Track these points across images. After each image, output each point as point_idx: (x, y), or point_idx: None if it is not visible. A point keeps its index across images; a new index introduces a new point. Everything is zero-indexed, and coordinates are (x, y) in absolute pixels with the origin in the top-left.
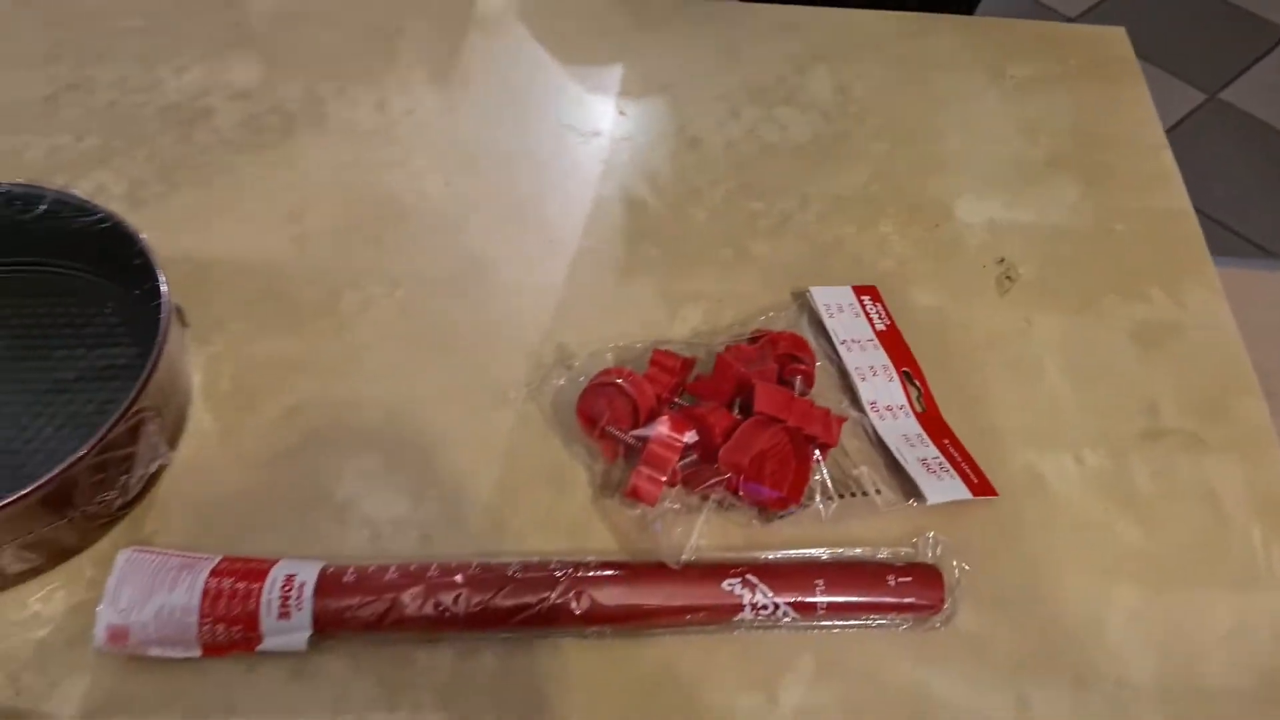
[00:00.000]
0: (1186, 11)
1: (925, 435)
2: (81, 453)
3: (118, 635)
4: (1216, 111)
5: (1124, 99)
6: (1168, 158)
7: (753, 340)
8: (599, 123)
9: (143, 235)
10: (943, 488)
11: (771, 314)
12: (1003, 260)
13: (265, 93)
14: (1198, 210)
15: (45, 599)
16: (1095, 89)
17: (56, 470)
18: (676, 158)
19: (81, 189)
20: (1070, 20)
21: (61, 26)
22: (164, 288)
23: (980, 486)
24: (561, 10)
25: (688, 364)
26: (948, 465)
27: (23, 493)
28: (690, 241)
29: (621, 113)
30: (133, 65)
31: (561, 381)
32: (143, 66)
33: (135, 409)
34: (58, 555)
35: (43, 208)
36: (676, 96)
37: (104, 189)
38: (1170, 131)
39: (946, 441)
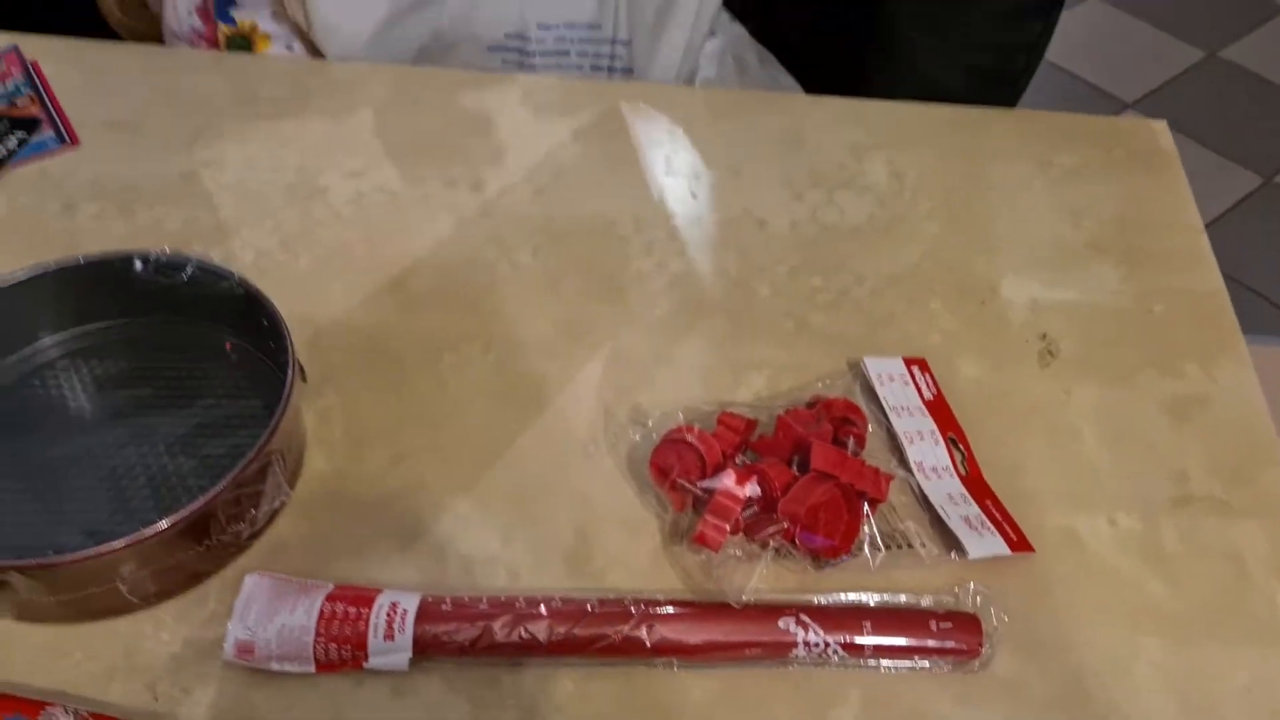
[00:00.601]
0: (1241, 98)
1: (968, 495)
2: (219, 489)
3: (244, 649)
4: (1270, 196)
5: (1164, 187)
6: (1204, 242)
7: (810, 405)
8: (673, 204)
9: (271, 299)
10: (983, 543)
11: (828, 381)
12: (1045, 336)
13: (374, 172)
14: (1248, 288)
15: (180, 617)
16: (1137, 178)
17: (197, 504)
18: (744, 237)
19: (215, 256)
20: (1127, 105)
21: (202, 115)
22: (290, 347)
23: (1018, 543)
24: (637, 102)
25: (751, 425)
26: (988, 523)
27: (168, 523)
28: (755, 314)
29: (694, 195)
30: (260, 146)
31: (637, 437)
32: (268, 148)
33: (264, 452)
34: (192, 579)
35: (186, 273)
36: (744, 181)
37: (233, 257)
38: (1227, 213)
39: (988, 501)
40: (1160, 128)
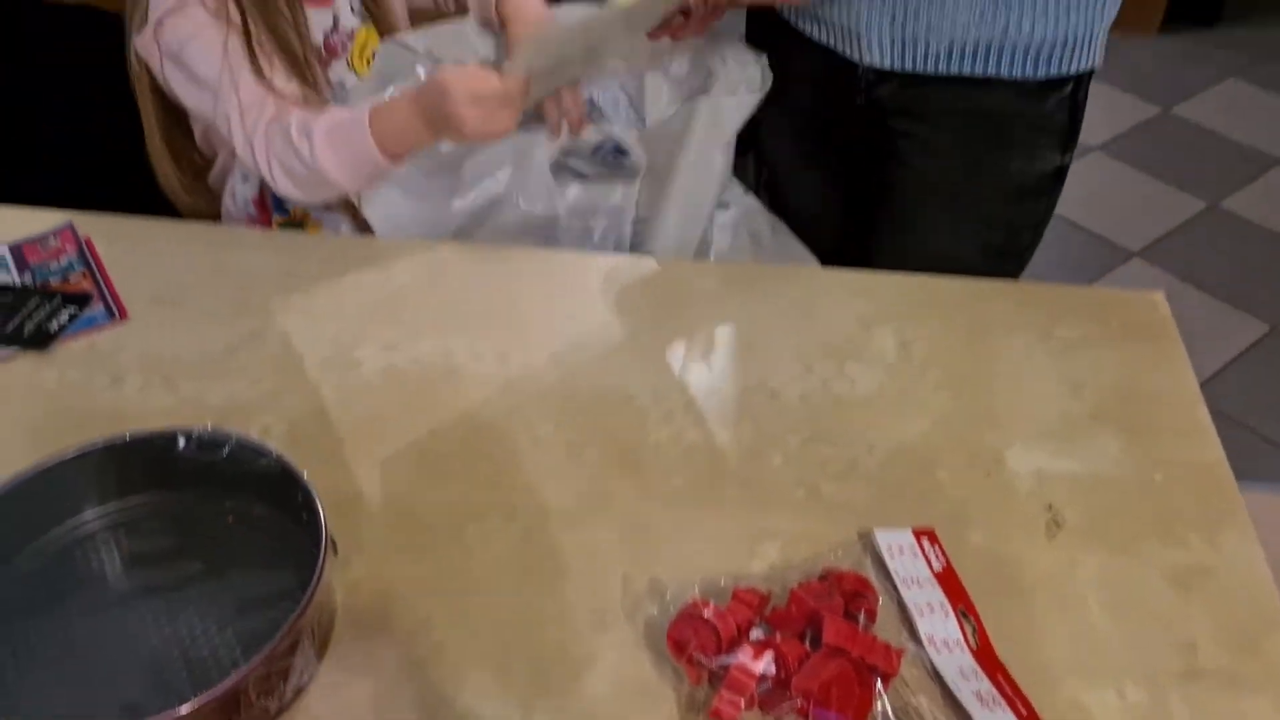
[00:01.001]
0: (1244, 247)
1: (979, 669)
2: (250, 666)
3: None
4: (1277, 343)
5: (1162, 356)
6: (1202, 412)
7: (822, 578)
8: (689, 376)
9: (306, 475)
10: None
11: (840, 552)
12: (1050, 507)
13: (406, 346)
14: (1258, 434)
15: None
16: (1135, 348)
17: (229, 682)
18: (757, 408)
19: (253, 428)
20: (1132, 253)
21: (246, 289)
22: (324, 525)
23: (1029, 719)
24: (654, 277)
25: (764, 599)
26: (999, 699)
27: (196, 705)
28: (768, 483)
29: (709, 367)
30: (300, 319)
31: (654, 610)
32: (307, 321)
33: (295, 629)
34: None
35: (226, 449)
36: (757, 352)
37: (269, 429)
38: (1235, 360)
39: (999, 675)
40: (1158, 298)
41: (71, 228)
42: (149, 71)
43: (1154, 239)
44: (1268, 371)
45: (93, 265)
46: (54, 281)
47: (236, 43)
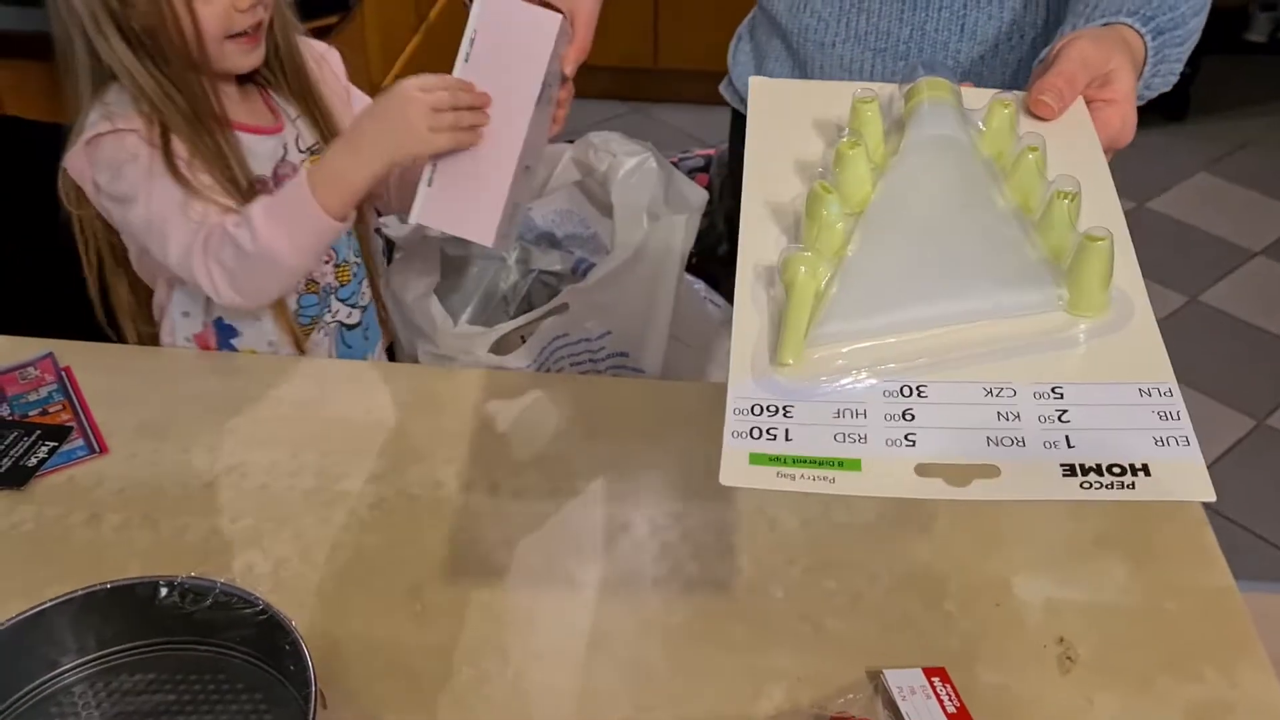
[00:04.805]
0: (1225, 341)
1: None
2: None
3: None
4: (1264, 438)
5: None
6: (1209, 535)
7: None
8: (684, 503)
9: (294, 625)
10: None
11: (851, 696)
12: (1062, 640)
13: (394, 477)
14: (1255, 534)
15: None
16: None
17: None
18: (755, 538)
19: (234, 569)
20: None
21: (228, 418)
22: (312, 677)
23: None
24: (640, 406)
25: None
26: None
27: None
28: (770, 619)
29: (702, 493)
30: (283, 450)
31: None
32: (290, 451)
33: None
34: None
35: (209, 600)
36: None
37: (252, 569)
38: (1223, 456)
39: None
40: None
41: (52, 357)
42: (79, 190)
43: None
44: (1257, 467)
45: (73, 396)
46: (33, 414)
47: (160, 166)
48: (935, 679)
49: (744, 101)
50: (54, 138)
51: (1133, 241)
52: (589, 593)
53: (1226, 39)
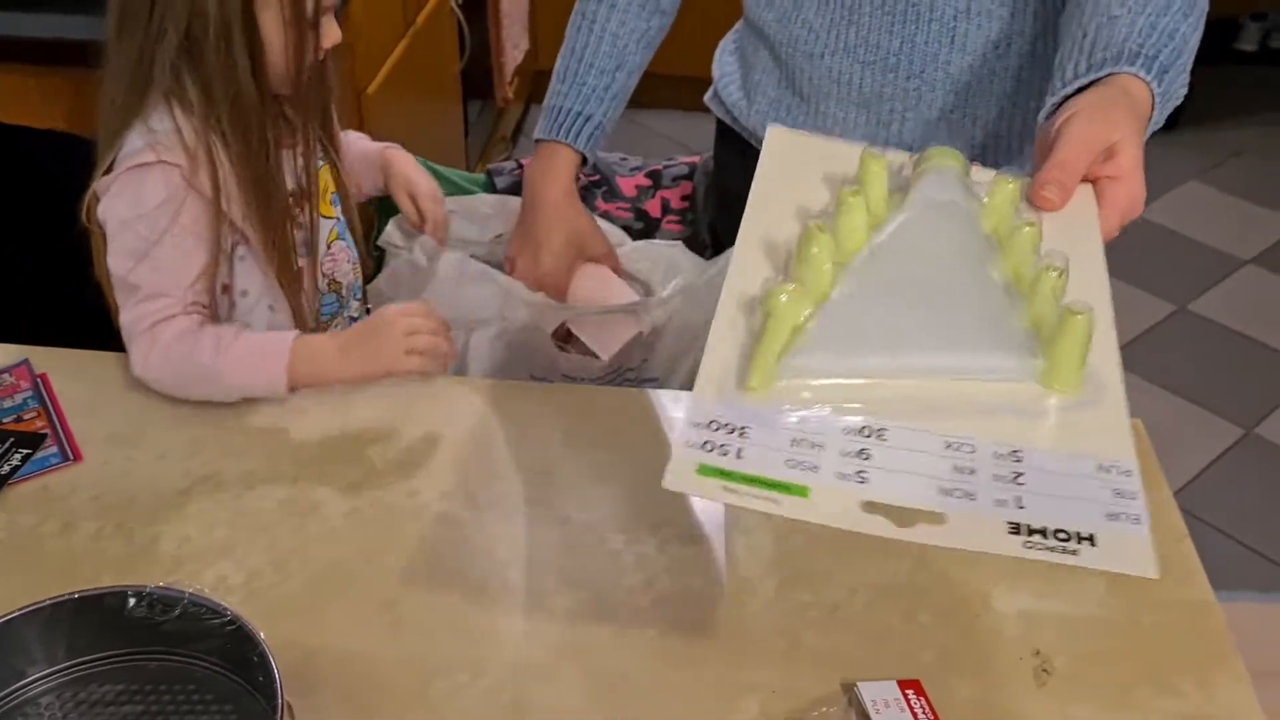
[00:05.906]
0: (1214, 350)
1: None
2: None
3: None
4: (1252, 447)
5: (1145, 485)
6: (1189, 548)
7: None
8: (656, 516)
9: (262, 636)
10: None
11: (825, 709)
12: (1038, 652)
13: (369, 487)
14: (1242, 544)
15: None
16: None
17: None
18: (729, 549)
19: (206, 579)
20: None
21: (202, 427)
22: (279, 690)
23: None
24: (617, 416)
25: None
26: None
27: None
28: (744, 632)
29: (681, 503)
30: (257, 460)
31: None
32: (265, 461)
33: None
34: None
35: (178, 611)
36: None
37: (225, 580)
38: (1211, 465)
39: None
40: (1136, 424)
41: (28, 364)
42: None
43: (1124, 342)
44: (1244, 476)
45: (48, 403)
46: (7, 420)
47: (191, 216)
48: (909, 691)
49: (728, 112)
50: (42, 145)
51: (1123, 249)
52: (564, 605)
53: (1217, 48)
